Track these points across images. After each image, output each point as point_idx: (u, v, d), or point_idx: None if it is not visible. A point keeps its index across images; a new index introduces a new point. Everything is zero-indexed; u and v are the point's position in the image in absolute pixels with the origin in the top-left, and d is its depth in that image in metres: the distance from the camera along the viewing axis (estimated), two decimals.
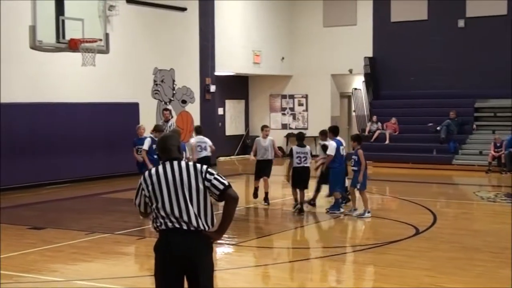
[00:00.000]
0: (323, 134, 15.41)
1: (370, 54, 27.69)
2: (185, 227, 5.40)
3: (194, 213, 5.43)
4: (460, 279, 9.08)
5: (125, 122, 20.24)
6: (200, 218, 5.44)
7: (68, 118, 19.42)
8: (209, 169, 5.54)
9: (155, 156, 15.05)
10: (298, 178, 14.45)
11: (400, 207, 15.83)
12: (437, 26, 26.50)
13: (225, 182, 5.52)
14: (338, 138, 14.36)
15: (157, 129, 15.62)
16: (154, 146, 15.11)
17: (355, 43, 27.80)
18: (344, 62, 27.96)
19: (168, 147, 5.64)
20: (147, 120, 19.30)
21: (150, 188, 5.50)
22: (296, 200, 14.55)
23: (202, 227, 5.44)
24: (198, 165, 5.57)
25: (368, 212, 13.79)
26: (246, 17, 27.34)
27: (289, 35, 29.15)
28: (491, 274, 9.33)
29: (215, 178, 5.50)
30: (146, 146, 15.00)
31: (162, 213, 5.44)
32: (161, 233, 5.49)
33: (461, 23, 26.15)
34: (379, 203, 17.22)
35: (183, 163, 5.56)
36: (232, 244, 11.44)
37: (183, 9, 23.55)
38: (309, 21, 28.87)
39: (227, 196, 5.50)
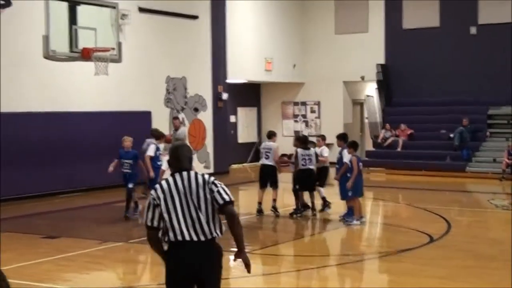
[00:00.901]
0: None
1: (382, 61, 27.64)
2: (195, 237, 5.47)
3: (205, 222, 5.50)
4: (475, 287, 9.03)
5: (137, 130, 20.20)
6: (210, 227, 5.52)
7: (80, 127, 19.46)
8: (214, 181, 5.62)
9: (159, 163, 14.94)
10: (304, 180, 14.60)
11: (414, 215, 15.76)
12: (449, 33, 26.40)
13: (226, 197, 5.56)
14: None
15: (156, 134, 15.53)
16: (157, 153, 15.02)
17: (367, 50, 27.75)
18: (356, 69, 27.92)
19: (179, 157, 5.68)
20: (160, 128, 19.26)
21: (162, 199, 5.54)
22: (304, 204, 14.74)
23: (212, 236, 5.52)
24: (206, 176, 5.67)
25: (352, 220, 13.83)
26: (258, 24, 27.36)
27: (301, 42, 29.15)
28: (506, 283, 9.25)
29: (217, 191, 5.57)
30: (151, 152, 14.80)
31: (175, 223, 5.47)
32: (172, 243, 5.52)
33: (473, 30, 26.05)
34: (393, 211, 17.16)
35: (192, 173, 5.63)
36: None
37: (195, 17, 23.58)
38: (321, 28, 28.85)
39: (225, 213, 5.57)
